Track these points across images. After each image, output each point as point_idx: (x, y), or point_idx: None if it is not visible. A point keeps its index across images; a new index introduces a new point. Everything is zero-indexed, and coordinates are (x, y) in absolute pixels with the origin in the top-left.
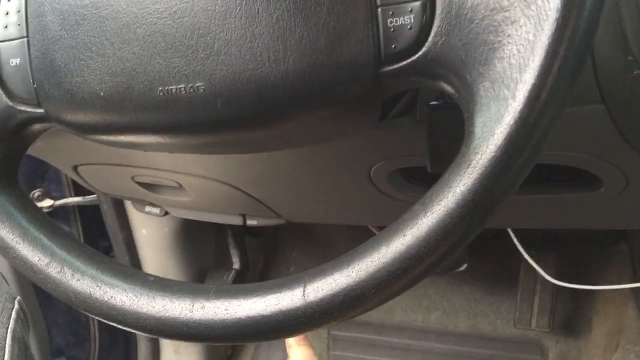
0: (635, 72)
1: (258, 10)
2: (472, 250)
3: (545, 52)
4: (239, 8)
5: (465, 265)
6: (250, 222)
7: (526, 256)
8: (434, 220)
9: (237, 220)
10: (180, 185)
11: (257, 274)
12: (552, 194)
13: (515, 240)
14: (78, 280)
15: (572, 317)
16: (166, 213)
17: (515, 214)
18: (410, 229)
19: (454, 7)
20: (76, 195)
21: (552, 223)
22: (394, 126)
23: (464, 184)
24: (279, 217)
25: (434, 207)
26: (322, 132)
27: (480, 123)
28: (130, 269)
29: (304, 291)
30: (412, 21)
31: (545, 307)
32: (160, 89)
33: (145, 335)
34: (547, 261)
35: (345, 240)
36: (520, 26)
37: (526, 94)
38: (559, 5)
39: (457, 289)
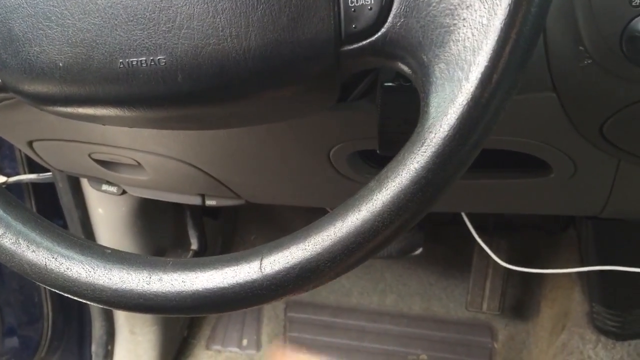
0: (585, 62)
1: None
2: (428, 235)
3: (498, 36)
4: None
5: (420, 250)
6: (210, 203)
7: (479, 240)
8: (389, 196)
9: (196, 200)
10: (139, 163)
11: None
12: (504, 179)
13: (469, 225)
14: (33, 251)
15: (521, 300)
16: (123, 192)
17: (468, 198)
18: (366, 204)
19: None
20: (30, 172)
21: (503, 207)
22: (353, 108)
23: (418, 162)
24: (238, 197)
25: (388, 183)
26: (282, 109)
27: (434, 103)
28: (87, 241)
29: (260, 264)
30: (372, 2)
31: (495, 291)
32: (120, 61)
33: (101, 307)
34: (499, 246)
35: (304, 222)
36: (475, 10)
37: (479, 76)
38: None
39: (412, 273)
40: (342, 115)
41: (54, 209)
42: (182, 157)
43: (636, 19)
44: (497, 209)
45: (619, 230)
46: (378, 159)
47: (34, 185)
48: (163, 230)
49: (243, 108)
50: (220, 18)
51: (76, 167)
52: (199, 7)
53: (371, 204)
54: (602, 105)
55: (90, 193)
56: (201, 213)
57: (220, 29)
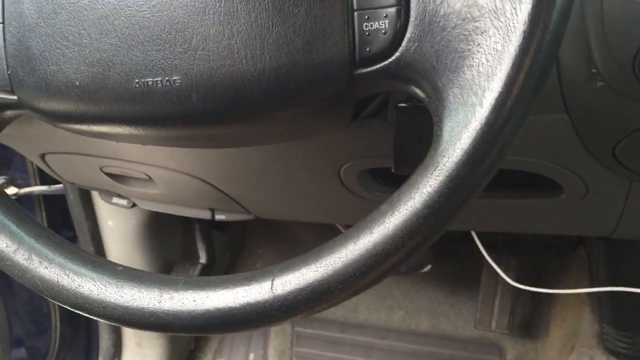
0: (598, 85)
1: (237, 8)
2: (437, 252)
3: (512, 63)
4: (217, 5)
5: (429, 266)
6: (219, 217)
7: (488, 259)
8: (401, 220)
9: (205, 215)
10: (150, 177)
11: (223, 269)
12: (515, 199)
13: (478, 242)
14: (46, 267)
15: (530, 319)
16: (134, 205)
17: (478, 217)
18: (378, 227)
19: (427, 15)
20: (42, 184)
21: (514, 227)
22: (364, 127)
23: (431, 186)
24: (248, 212)
25: (401, 206)
26: (296, 130)
27: (448, 127)
28: (98, 258)
29: (272, 284)
30: (387, 26)
31: (504, 309)
32: (136, 80)
33: (112, 324)
34: (509, 264)
35: (313, 237)
36: (490, 36)
37: (492, 102)
38: (527, 19)
39: (420, 289)
40: (353, 133)
41: (64, 220)
42: (193, 172)
43: None
44: (507, 229)
45: (629, 251)
46: (389, 177)
47: (45, 196)
48: (172, 244)
49: (257, 128)
50: (236, 40)
51: (87, 180)
52: (214, 29)
53: (383, 226)
54: (615, 127)
55: (101, 205)
56: (210, 226)
57: (236, 50)
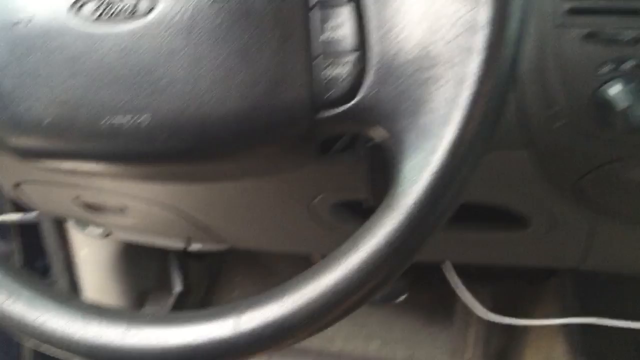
0: (559, 123)
1: (204, 53)
2: (412, 281)
3: (464, 111)
4: (185, 50)
5: (405, 296)
6: (195, 246)
7: (461, 290)
8: (362, 259)
9: (181, 244)
10: (125, 207)
11: (200, 298)
12: (484, 232)
13: (451, 275)
14: (13, 302)
15: (505, 349)
16: (108, 234)
17: (448, 249)
18: (340, 265)
19: (385, 63)
20: (17, 211)
21: (483, 259)
22: (335, 161)
23: (391, 225)
24: (224, 242)
25: (362, 246)
26: (261, 168)
27: (405, 170)
28: (67, 294)
29: (236, 321)
30: (347, 72)
31: (479, 339)
32: (105, 120)
33: None
34: (483, 294)
35: (290, 266)
36: (442, 85)
37: (447, 147)
38: (477, 69)
39: (397, 319)
40: (325, 168)
41: (39, 248)
42: (168, 201)
43: (606, 84)
44: (477, 260)
45: (599, 282)
46: (361, 209)
47: (20, 224)
48: (147, 272)
49: (222, 167)
50: (202, 83)
51: (62, 209)
52: (182, 72)
53: (344, 265)
54: (577, 164)
55: (75, 234)
56: (186, 255)
57: (202, 93)
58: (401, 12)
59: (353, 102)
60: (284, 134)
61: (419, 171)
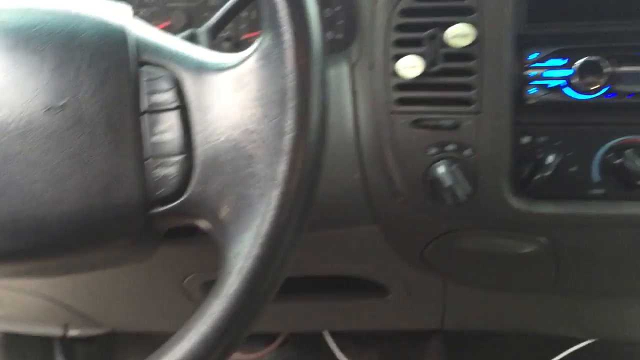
0: (399, 200)
1: (39, 158)
2: (300, 351)
3: (275, 206)
4: (20, 155)
5: None
6: (73, 333)
7: (340, 356)
8: (191, 345)
9: (58, 331)
10: None
11: None
12: (350, 300)
13: (330, 340)
14: None
15: None
16: None
17: (321, 319)
18: (172, 352)
19: (208, 163)
20: None
21: (356, 326)
22: (202, 242)
23: (217, 313)
24: (103, 326)
25: (191, 333)
26: (107, 261)
27: (229, 258)
28: None
29: None
30: (175, 172)
31: None
32: None
33: None
34: (371, 357)
35: None
36: (257, 183)
37: (261, 240)
38: (285, 169)
39: None
40: (194, 248)
41: None
42: (39, 290)
43: (433, 165)
44: (349, 327)
45: (465, 340)
46: None
47: None
48: None
49: (65, 263)
50: (38, 186)
51: None
52: (18, 175)
53: (177, 351)
54: (419, 235)
55: None
56: (72, 340)
57: (38, 195)
58: (221, 118)
59: (182, 198)
60: (120, 230)
61: (240, 260)
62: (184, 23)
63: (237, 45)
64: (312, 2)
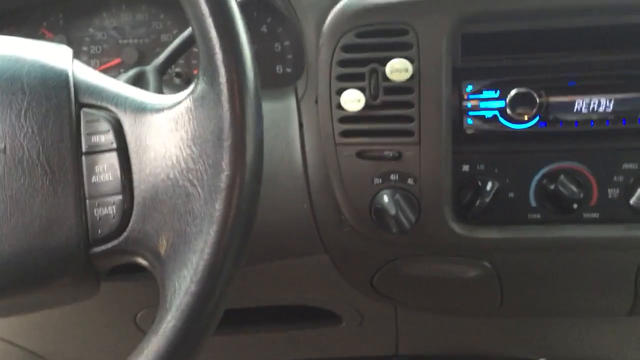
0: (347, 229)
1: None
2: None
3: (212, 245)
4: None
5: None
6: None
7: None
8: None
9: None
10: None
11: None
12: (305, 329)
13: None
14: None
15: None
16: None
17: (281, 349)
18: None
19: (146, 203)
20: None
21: (309, 354)
22: (153, 277)
23: (155, 349)
24: None
25: None
26: (46, 302)
27: (167, 295)
28: None
29: None
30: (114, 212)
31: None
32: None
33: None
34: None
35: None
36: (194, 220)
37: (199, 275)
38: (221, 207)
39: None
40: (143, 284)
41: None
42: None
43: (378, 194)
44: (308, 356)
45: None
46: None
47: None
48: None
49: (5, 304)
50: None
51: None
52: None
53: None
54: (367, 263)
55: None
56: None
57: None
58: (159, 158)
59: (122, 237)
60: (61, 271)
61: (177, 297)
62: (135, 59)
63: (189, 81)
64: (246, 46)
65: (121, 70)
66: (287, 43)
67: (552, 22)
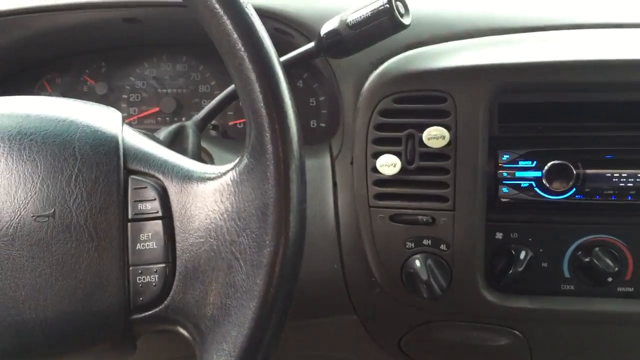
0: (376, 290)
1: (24, 265)
2: None
3: (252, 321)
4: (6, 262)
5: None
6: None
7: None
8: None
9: None
10: None
11: None
12: None
13: None
14: None
15: None
16: None
17: None
18: None
19: (188, 273)
20: None
21: None
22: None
23: None
24: None
25: None
26: None
27: None
28: None
29: None
30: (157, 280)
31: None
32: None
33: None
34: None
35: None
36: (236, 293)
37: (239, 352)
38: (263, 287)
39: None
40: (166, 335)
41: None
42: None
43: (410, 258)
44: None
45: None
46: None
47: None
48: None
49: None
50: (21, 292)
51: None
52: (2, 282)
53: None
54: (396, 325)
55: None
56: None
57: (21, 301)
58: (203, 228)
59: (162, 305)
60: (101, 336)
61: None
62: (173, 109)
63: (225, 133)
64: (294, 123)
65: (158, 118)
66: (322, 99)
67: (591, 96)
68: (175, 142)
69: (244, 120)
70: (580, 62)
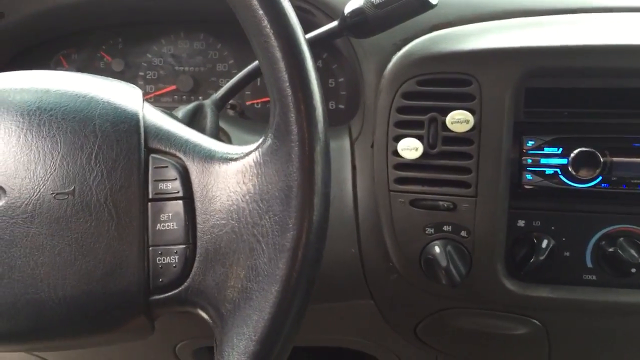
0: (394, 276)
1: (43, 242)
2: None
3: (274, 305)
4: (25, 239)
5: None
6: None
7: None
8: None
9: None
10: None
11: None
12: None
13: None
14: None
15: None
16: None
17: None
18: None
19: (209, 254)
20: None
21: None
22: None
23: None
24: None
25: None
26: (100, 342)
27: (225, 353)
28: None
29: None
30: (177, 261)
31: None
32: None
33: None
34: None
35: None
36: (257, 277)
37: (260, 336)
38: (286, 271)
39: None
40: (185, 315)
41: None
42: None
43: (430, 244)
44: None
45: None
46: None
47: None
48: None
49: (64, 344)
50: (40, 271)
51: None
52: (20, 260)
53: None
54: (412, 311)
55: None
56: None
57: (39, 280)
58: (225, 210)
59: (182, 287)
60: (120, 317)
61: (234, 354)
62: (190, 87)
63: (242, 113)
64: (320, 105)
65: (175, 97)
66: (341, 80)
67: (619, 82)
68: (193, 121)
69: (262, 100)
70: (613, 46)
